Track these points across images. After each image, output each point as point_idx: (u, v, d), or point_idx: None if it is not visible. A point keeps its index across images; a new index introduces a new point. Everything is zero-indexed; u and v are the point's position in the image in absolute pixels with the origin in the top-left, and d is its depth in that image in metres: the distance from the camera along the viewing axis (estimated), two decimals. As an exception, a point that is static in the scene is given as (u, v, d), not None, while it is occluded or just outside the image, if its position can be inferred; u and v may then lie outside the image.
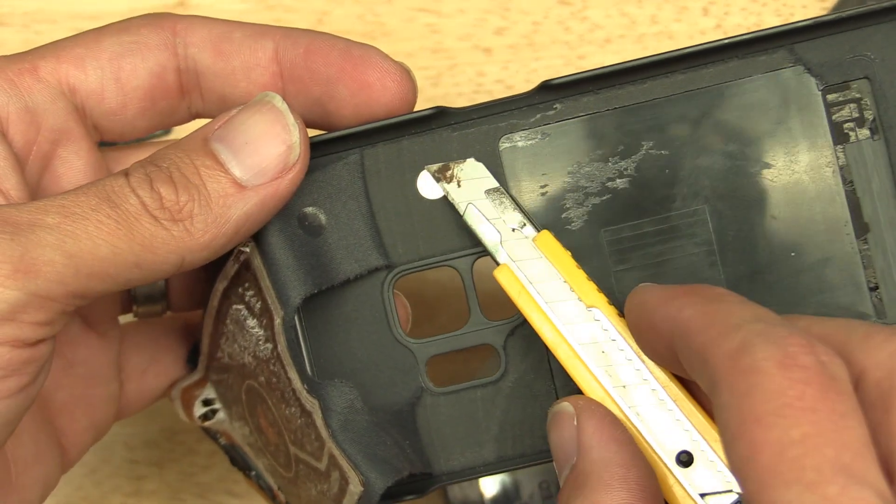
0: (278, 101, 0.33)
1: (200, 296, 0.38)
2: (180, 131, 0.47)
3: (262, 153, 0.33)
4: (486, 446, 0.36)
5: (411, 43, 0.50)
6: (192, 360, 0.39)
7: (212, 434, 0.39)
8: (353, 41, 0.36)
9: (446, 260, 0.36)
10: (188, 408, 0.38)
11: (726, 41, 0.35)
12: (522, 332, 0.36)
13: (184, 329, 0.40)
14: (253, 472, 0.38)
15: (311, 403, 0.35)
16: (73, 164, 0.35)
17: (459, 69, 0.50)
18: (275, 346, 0.35)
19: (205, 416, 0.38)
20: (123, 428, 0.49)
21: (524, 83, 0.49)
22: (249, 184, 0.33)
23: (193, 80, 0.36)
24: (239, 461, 0.39)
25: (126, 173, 0.32)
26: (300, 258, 0.35)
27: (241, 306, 0.36)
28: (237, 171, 0.33)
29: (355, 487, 0.34)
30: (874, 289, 0.35)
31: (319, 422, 0.34)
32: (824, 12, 0.49)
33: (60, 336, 0.36)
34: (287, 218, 0.35)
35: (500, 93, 0.49)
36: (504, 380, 0.36)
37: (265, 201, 0.33)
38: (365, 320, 0.36)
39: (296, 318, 0.35)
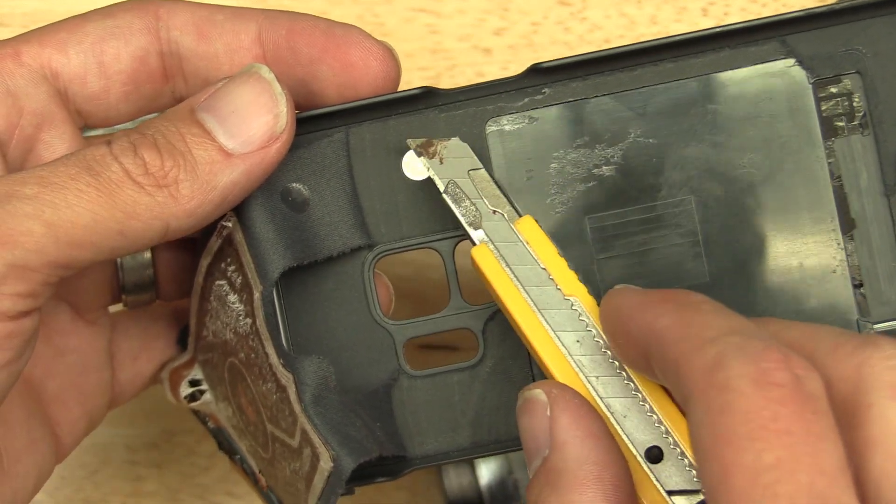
0: (265, 72, 0.34)
1: (189, 284, 0.38)
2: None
3: (250, 122, 0.33)
4: (461, 431, 0.36)
5: (411, 43, 0.50)
6: (182, 342, 0.39)
7: (201, 418, 0.39)
8: (335, 21, 0.36)
9: (428, 242, 0.36)
10: (175, 388, 0.38)
11: (717, 30, 0.34)
12: (502, 318, 0.35)
13: (173, 314, 0.40)
14: (238, 456, 0.38)
15: (286, 378, 0.34)
16: (57, 147, 0.36)
17: (459, 70, 0.50)
18: (254, 321, 0.35)
19: (191, 397, 0.38)
20: (124, 429, 0.49)
21: (524, 83, 0.49)
22: (236, 152, 0.33)
23: (177, 63, 0.36)
24: (225, 445, 0.39)
25: (108, 142, 0.32)
26: (281, 232, 0.35)
27: (223, 282, 0.36)
28: (224, 140, 0.33)
29: (325, 464, 0.34)
30: (858, 286, 0.35)
31: (293, 396, 0.34)
32: (824, 12, 0.49)
33: (51, 325, 0.36)
34: (270, 192, 0.35)
35: (499, 93, 0.49)
36: (482, 365, 0.36)
37: (252, 170, 0.33)
38: (345, 299, 0.36)
39: (274, 292, 0.35)
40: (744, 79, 0.35)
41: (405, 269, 0.48)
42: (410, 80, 0.49)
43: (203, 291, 0.36)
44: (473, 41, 0.50)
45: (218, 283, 0.36)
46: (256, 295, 0.34)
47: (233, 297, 0.35)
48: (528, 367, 0.36)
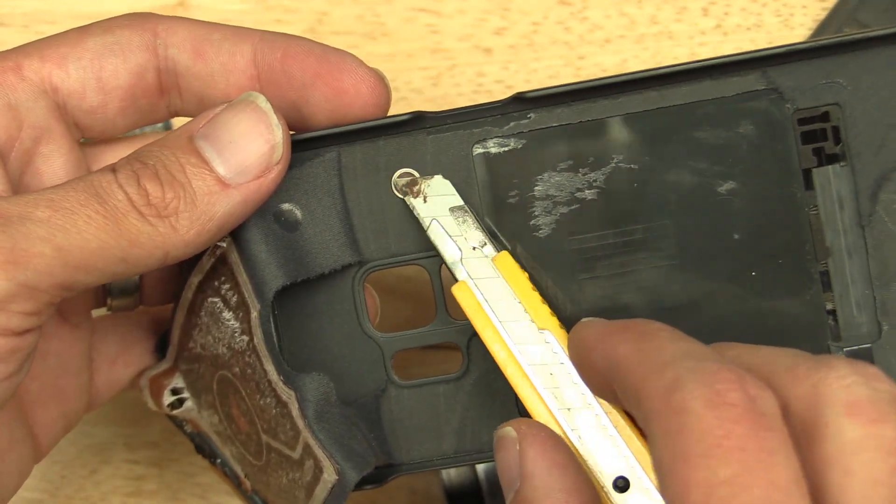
0: (262, 101, 0.34)
1: (173, 290, 0.39)
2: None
3: (246, 152, 0.34)
4: (445, 439, 0.37)
5: (411, 43, 0.50)
6: (160, 350, 0.39)
7: (177, 422, 0.39)
8: (329, 47, 0.37)
9: (416, 259, 0.37)
10: (157, 396, 0.39)
11: (700, 64, 0.35)
12: None
13: (152, 322, 0.41)
14: (218, 460, 0.39)
15: (287, 394, 0.35)
16: (54, 161, 0.36)
17: (459, 69, 0.50)
18: (251, 339, 0.36)
19: (173, 405, 0.39)
20: (124, 429, 0.49)
21: (524, 83, 0.49)
22: (233, 182, 0.33)
23: (173, 80, 0.37)
24: (205, 449, 0.39)
25: (113, 169, 0.33)
26: (275, 253, 0.35)
27: (216, 299, 0.36)
28: (221, 169, 0.33)
29: (329, 476, 0.35)
30: (831, 312, 0.36)
31: (296, 412, 0.35)
32: (825, 12, 0.49)
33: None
34: (264, 214, 0.35)
35: (500, 93, 0.49)
36: (466, 377, 0.37)
37: (248, 199, 0.34)
38: (335, 313, 0.37)
39: (271, 310, 0.36)
40: (726, 108, 0.35)
41: (402, 270, 0.48)
42: (411, 80, 0.49)
43: (192, 306, 0.37)
44: (474, 41, 0.50)
45: (211, 299, 0.36)
46: (254, 314, 0.35)
47: (228, 315, 0.36)
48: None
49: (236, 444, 0.38)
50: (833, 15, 0.48)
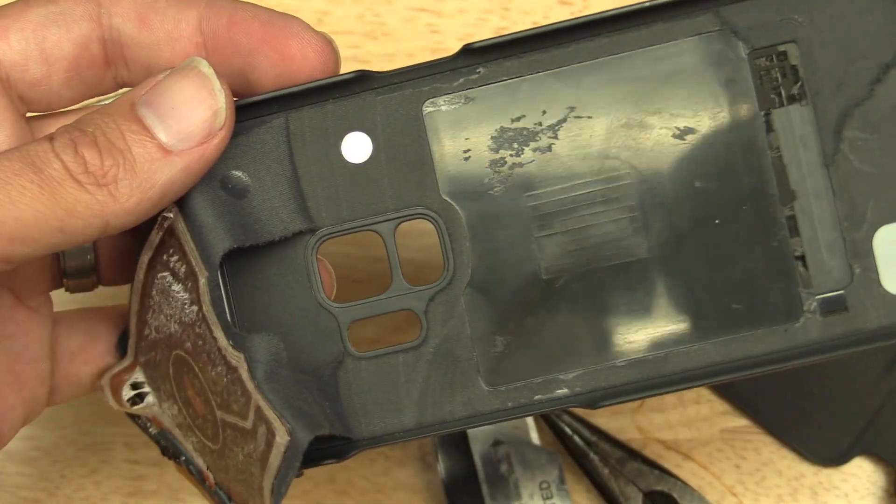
0: (205, 67, 0.34)
1: (130, 269, 0.38)
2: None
3: (189, 118, 0.33)
4: (406, 412, 0.36)
5: (411, 43, 0.50)
6: (121, 346, 0.39)
7: (142, 425, 0.39)
8: (276, 12, 0.36)
9: (369, 224, 0.36)
10: (117, 392, 0.38)
11: (650, 4, 0.34)
12: (443, 298, 0.36)
13: (119, 318, 0.40)
14: (183, 458, 0.38)
15: (236, 358, 0.35)
16: None
17: (460, 69, 0.49)
18: (200, 308, 0.35)
19: (133, 400, 0.38)
20: (124, 428, 0.49)
21: (524, 83, 0.49)
22: (175, 148, 0.33)
23: (118, 50, 0.36)
24: (169, 448, 0.39)
25: (51, 138, 0.33)
26: (222, 218, 0.35)
27: (166, 273, 0.36)
28: (163, 136, 0.33)
29: (281, 438, 0.34)
30: (800, 258, 0.35)
31: (245, 374, 0.34)
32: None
33: None
34: (210, 181, 0.35)
35: (500, 93, 0.49)
36: (425, 345, 0.36)
37: (191, 166, 0.33)
38: (289, 284, 0.36)
39: (219, 276, 0.36)
40: (679, 51, 0.34)
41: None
42: (411, 80, 0.49)
43: (144, 288, 0.37)
44: (474, 41, 0.50)
45: (161, 275, 0.36)
46: (202, 281, 0.35)
47: (177, 287, 0.36)
48: (471, 347, 0.36)
49: (195, 432, 0.38)
50: None
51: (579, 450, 0.47)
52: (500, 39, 0.35)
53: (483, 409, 0.36)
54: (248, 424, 0.35)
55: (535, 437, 0.48)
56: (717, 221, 0.35)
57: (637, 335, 0.35)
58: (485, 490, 0.47)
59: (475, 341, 0.36)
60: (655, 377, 0.35)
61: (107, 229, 0.33)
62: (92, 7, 0.36)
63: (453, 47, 0.50)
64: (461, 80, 0.35)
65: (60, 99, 0.37)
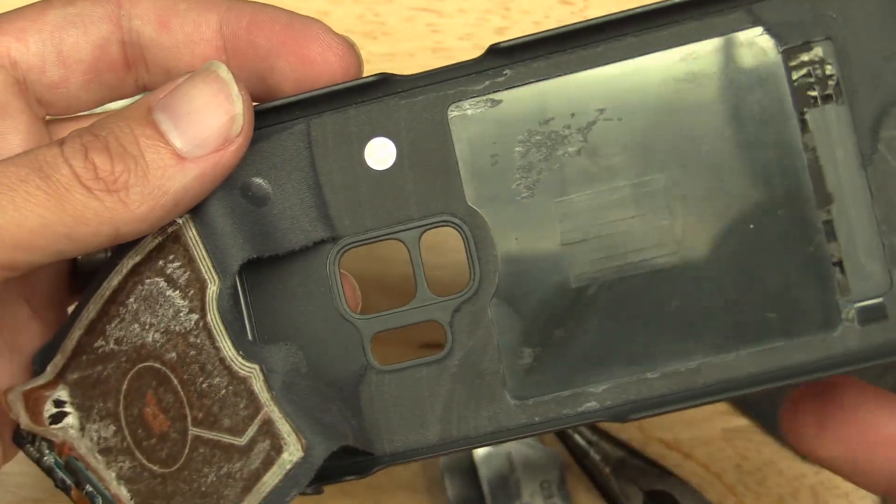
0: (223, 71, 0.33)
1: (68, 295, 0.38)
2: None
3: (204, 124, 0.32)
4: (430, 427, 0.35)
5: (412, 43, 0.50)
6: (39, 361, 0.37)
7: (34, 452, 0.37)
8: (297, 14, 0.35)
9: (393, 233, 0.35)
10: (35, 408, 0.36)
11: (680, 0, 0.33)
12: (469, 309, 0.35)
13: (33, 334, 0.38)
14: (88, 487, 0.37)
15: (248, 369, 0.34)
16: (11, 139, 0.35)
17: (460, 69, 0.50)
18: (202, 317, 0.34)
19: (54, 418, 0.36)
20: (124, 428, 0.49)
21: (525, 83, 0.49)
22: (190, 155, 0.32)
23: (138, 52, 0.36)
24: (67, 479, 0.37)
25: (61, 142, 0.32)
26: (241, 226, 0.34)
27: (157, 279, 0.35)
28: (178, 142, 0.32)
29: (290, 455, 0.33)
30: (837, 263, 0.33)
31: (259, 385, 0.33)
32: None
33: (6, 321, 0.36)
34: (229, 187, 0.34)
35: (500, 92, 0.49)
36: (450, 358, 0.35)
37: (205, 173, 0.32)
38: (311, 294, 0.35)
39: (238, 285, 0.35)
40: (711, 51, 0.33)
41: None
42: (412, 80, 0.49)
43: (115, 294, 0.35)
44: (475, 40, 0.50)
45: (149, 280, 0.35)
46: (213, 288, 0.34)
47: (173, 293, 0.34)
48: (498, 360, 0.35)
49: (134, 455, 0.36)
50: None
51: (580, 449, 0.47)
52: (527, 39, 0.34)
53: (509, 423, 0.35)
54: (240, 441, 0.34)
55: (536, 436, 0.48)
56: (751, 227, 0.34)
57: (669, 346, 0.34)
58: (486, 489, 0.47)
59: (502, 353, 0.35)
60: (688, 389, 0.34)
61: (117, 237, 0.32)
62: (111, 9, 0.35)
63: (454, 47, 0.50)
64: (487, 82, 0.34)
65: (79, 102, 0.36)
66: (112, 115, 0.33)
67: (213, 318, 0.34)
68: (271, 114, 0.35)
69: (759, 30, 0.33)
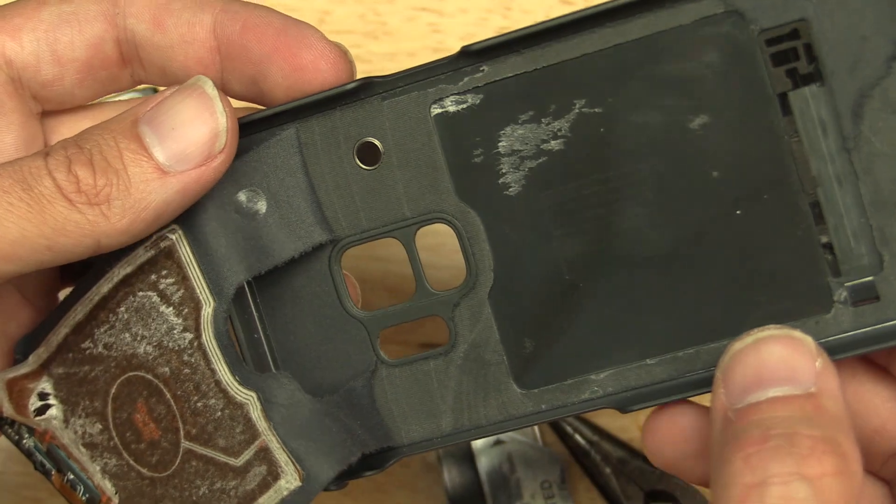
0: (209, 87, 0.33)
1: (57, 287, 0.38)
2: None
3: (188, 139, 0.33)
4: (442, 417, 0.36)
5: (413, 42, 0.50)
6: (21, 350, 0.37)
7: (13, 435, 0.37)
8: (291, 19, 0.36)
9: (389, 231, 0.35)
10: (20, 399, 0.37)
11: None
12: (468, 303, 0.35)
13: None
14: (69, 475, 0.37)
15: (245, 396, 0.34)
16: (3, 138, 0.36)
17: (461, 69, 0.50)
18: (196, 337, 0.34)
19: (39, 410, 0.37)
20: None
21: (526, 83, 0.49)
22: (172, 170, 0.33)
23: (133, 51, 0.36)
24: (45, 464, 0.37)
25: (46, 154, 0.32)
26: (236, 245, 0.34)
27: (150, 293, 0.35)
28: (161, 156, 0.33)
29: (287, 483, 0.34)
30: (826, 246, 0.33)
31: (256, 414, 0.34)
32: None
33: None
34: (221, 203, 0.34)
35: (501, 92, 0.49)
36: (455, 350, 0.36)
37: (187, 188, 0.33)
38: (315, 295, 0.36)
39: (247, 291, 0.35)
40: (686, 37, 0.33)
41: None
42: (413, 79, 0.49)
43: (105, 301, 0.35)
44: (475, 40, 0.50)
45: (141, 294, 0.35)
46: (208, 310, 0.34)
47: (166, 310, 0.35)
48: (501, 351, 0.35)
49: (122, 456, 0.36)
50: None
51: (581, 449, 0.47)
52: (497, 40, 0.34)
53: (517, 412, 0.35)
54: (235, 462, 0.35)
55: (537, 436, 0.48)
56: (738, 212, 0.33)
57: (665, 332, 0.34)
58: (487, 490, 0.47)
59: (504, 344, 0.35)
60: (687, 373, 0.34)
61: (98, 249, 0.32)
62: (107, 6, 0.36)
63: (455, 47, 0.50)
64: (466, 79, 0.34)
65: (74, 98, 0.37)
66: (99, 127, 0.33)
67: (208, 340, 0.34)
68: (258, 122, 0.35)
69: (733, 14, 0.33)
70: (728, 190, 0.33)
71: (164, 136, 0.33)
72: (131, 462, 0.36)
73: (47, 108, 0.37)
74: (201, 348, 0.35)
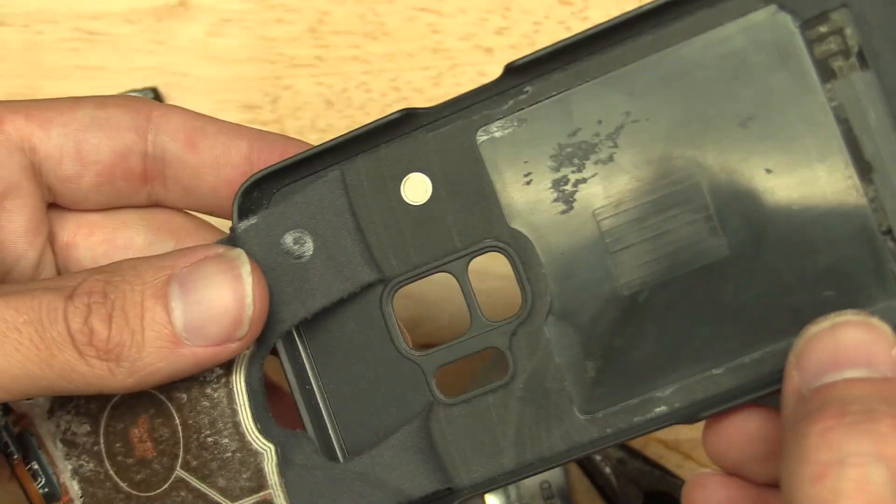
0: (245, 271, 0.33)
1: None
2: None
3: (210, 317, 0.32)
4: (504, 453, 0.35)
5: (412, 43, 0.50)
6: None
7: None
8: None
9: (440, 266, 0.35)
10: None
11: None
12: (525, 331, 0.35)
13: None
14: (34, 463, 0.36)
15: (262, 445, 0.34)
16: (15, 218, 0.36)
17: (460, 69, 0.49)
18: (226, 374, 0.34)
19: None
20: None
21: (525, 83, 0.49)
22: (188, 342, 0.32)
23: (159, 167, 0.37)
24: (11, 445, 0.36)
25: (69, 294, 0.32)
26: (282, 289, 0.34)
27: None
28: (180, 324, 0.32)
29: None
30: (887, 232, 0.33)
31: (269, 467, 0.34)
32: None
33: None
34: (269, 247, 0.34)
35: (501, 93, 0.49)
36: (514, 382, 0.35)
37: (201, 363, 0.33)
38: (368, 337, 0.35)
39: (295, 336, 0.35)
40: (727, 37, 0.33)
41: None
42: (412, 80, 0.49)
43: None
44: (475, 40, 0.50)
45: None
46: (245, 354, 0.34)
47: None
48: (562, 378, 0.34)
49: (103, 464, 0.36)
50: None
51: (580, 449, 0.47)
52: (542, 53, 0.33)
53: (582, 439, 0.34)
54: None
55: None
56: (793, 207, 0.33)
57: (729, 339, 0.34)
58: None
59: (565, 370, 0.34)
60: (756, 379, 0.33)
61: (101, 393, 0.33)
62: (141, 120, 0.36)
63: (454, 47, 0.50)
64: (510, 102, 0.34)
65: (88, 201, 0.37)
66: (131, 270, 0.33)
67: (237, 381, 0.34)
68: (304, 165, 0.35)
69: (772, 8, 0.33)
70: (782, 185, 0.33)
71: (189, 305, 0.32)
72: (111, 472, 0.36)
73: (60, 203, 0.37)
74: (227, 387, 0.34)
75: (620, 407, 0.34)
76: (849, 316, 0.31)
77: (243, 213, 0.35)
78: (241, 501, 0.34)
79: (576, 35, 0.33)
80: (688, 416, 0.34)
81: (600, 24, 0.33)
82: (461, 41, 0.50)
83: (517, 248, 0.34)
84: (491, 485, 0.35)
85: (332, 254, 0.35)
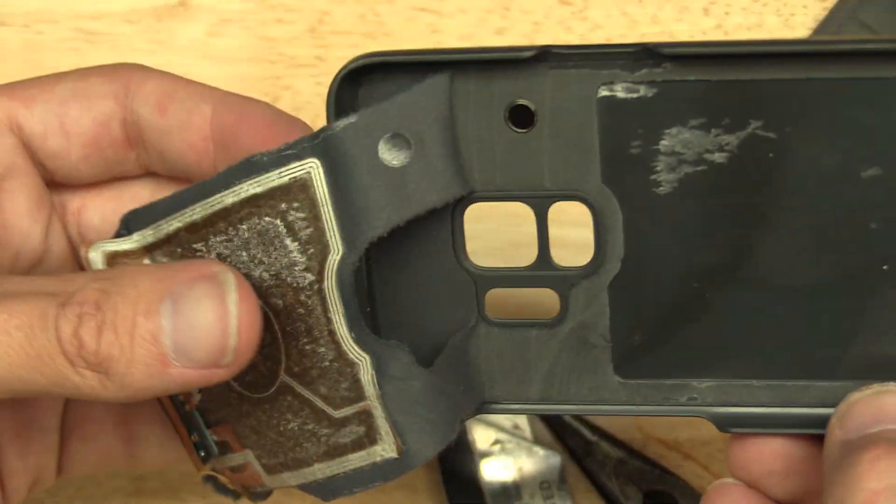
0: (232, 303, 0.32)
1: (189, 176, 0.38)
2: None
3: (198, 341, 0.32)
4: (532, 385, 0.35)
5: (412, 43, 0.50)
6: (126, 225, 0.36)
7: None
8: (284, 114, 0.36)
9: (524, 196, 0.34)
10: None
11: (869, 48, 0.31)
12: (587, 285, 0.34)
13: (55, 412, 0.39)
14: (194, 433, 0.37)
15: (359, 357, 0.33)
16: (18, 197, 0.36)
17: (460, 69, 0.50)
18: (318, 281, 0.33)
19: None
20: (124, 428, 0.49)
21: (525, 83, 0.49)
22: (176, 362, 0.32)
23: (138, 133, 0.37)
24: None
25: (63, 303, 0.32)
26: (377, 194, 0.33)
27: (277, 221, 0.33)
28: (168, 343, 0.32)
29: (384, 451, 0.33)
30: None
31: (367, 378, 0.33)
32: (825, 12, 0.49)
33: None
34: (366, 146, 0.32)
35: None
36: (561, 325, 0.35)
37: (188, 384, 0.32)
38: (431, 243, 0.35)
39: (362, 260, 0.34)
40: (881, 90, 0.31)
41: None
42: (412, 80, 0.49)
43: (226, 212, 0.34)
44: (475, 41, 0.50)
45: (267, 219, 0.33)
46: (335, 258, 0.33)
47: (291, 244, 0.33)
48: (608, 338, 0.35)
49: None
50: (834, 14, 0.49)
51: (580, 449, 0.47)
52: (690, 51, 0.32)
53: (610, 398, 0.35)
54: (333, 413, 0.34)
55: (536, 436, 0.48)
56: (884, 267, 0.32)
57: (779, 359, 0.34)
58: (486, 490, 0.47)
59: (613, 332, 0.34)
60: (791, 404, 0.34)
61: (95, 401, 0.32)
62: (118, 87, 0.36)
63: (454, 47, 0.50)
64: (644, 70, 0.32)
65: (80, 174, 0.37)
66: (130, 281, 0.32)
67: (330, 288, 0.33)
68: (414, 67, 0.33)
69: None
70: (881, 243, 0.32)
71: (178, 325, 0.32)
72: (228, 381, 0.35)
73: (55, 179, 0.37)
74: (321, 293, 0.33)
75: (655, 383, 0.35)
76: (892, 386, 0.32)
77: (341, 109, 0.33)
78: (342, 410, 0.34)
79: (736, 44, 0.32)
80: (718, 418, 0.34)
81: (769, 45, 0.32)
82: (461, 41, 0.50)
83: (602, 207, 0.34)
84: (512, 408, 0.36)
85: (430, 161, 0.33)
